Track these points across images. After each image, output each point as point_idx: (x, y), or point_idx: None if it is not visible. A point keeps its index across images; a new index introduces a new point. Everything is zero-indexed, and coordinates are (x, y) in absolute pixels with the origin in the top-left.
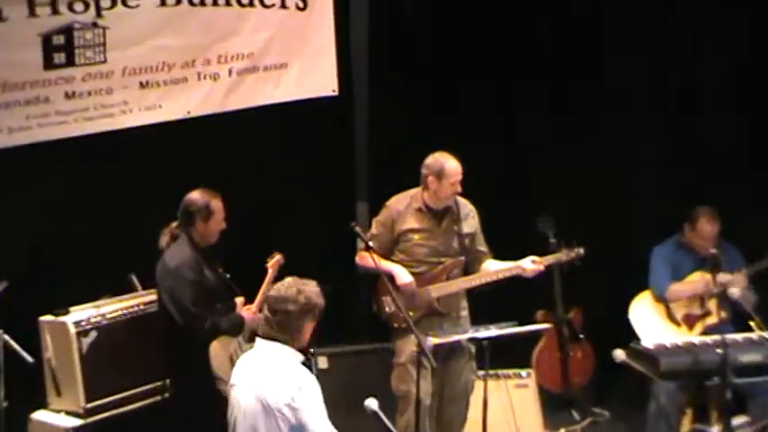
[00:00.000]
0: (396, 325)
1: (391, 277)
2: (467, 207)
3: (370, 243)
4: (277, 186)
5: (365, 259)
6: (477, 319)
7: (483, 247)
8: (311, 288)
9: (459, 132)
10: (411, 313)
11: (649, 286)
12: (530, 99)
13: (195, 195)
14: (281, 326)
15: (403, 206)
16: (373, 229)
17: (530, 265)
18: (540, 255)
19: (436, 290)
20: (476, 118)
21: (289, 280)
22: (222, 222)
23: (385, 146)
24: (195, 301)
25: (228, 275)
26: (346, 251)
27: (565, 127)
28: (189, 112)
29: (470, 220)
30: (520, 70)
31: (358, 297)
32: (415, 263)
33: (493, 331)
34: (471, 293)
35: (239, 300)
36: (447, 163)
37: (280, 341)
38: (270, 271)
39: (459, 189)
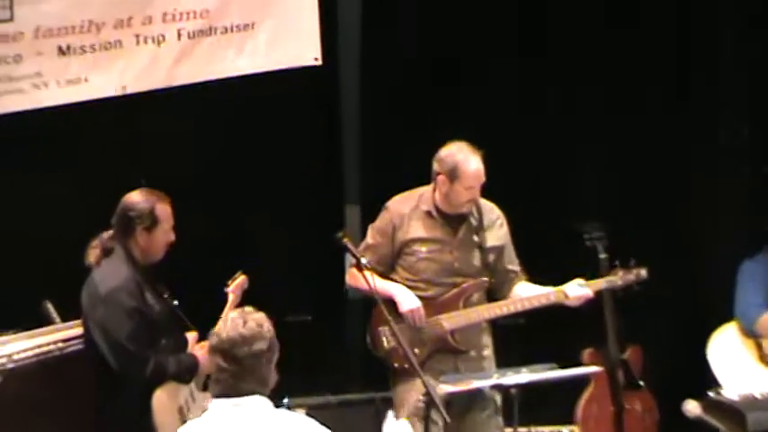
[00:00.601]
0: (396, 365)
1: (391, 302)
2: (493, 213)
3: (364, 259)
4: (241, 186)
5: (357, 278)
6: (505, 358)
7: (514, 266)
8: (260, 316)
9: (479, 117)
10: (417, 350)
11: (734, 315)
12: (575, 91)
13: (135, 197)
14: (251, 374)
15: (408, 208)
16: (369, 239)
17: (575, 290)
18: (588, 277)
19: (450, 320)
20: (500, 97)
21: (234, 315)
22: (170, 233)
23: (382, 133)
24: (134, 336)
25: (177, 303)
26: (331, 270)
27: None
28: (124, 88)
29: (497, 230)
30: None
31: (347, 331)
32: (423, 284)
33: (524, 375)
34: (497, 326)
35: (191, 335)
36: (465, 162)
37: (248, 394)
38: (231, 297)
39: (477, 196)
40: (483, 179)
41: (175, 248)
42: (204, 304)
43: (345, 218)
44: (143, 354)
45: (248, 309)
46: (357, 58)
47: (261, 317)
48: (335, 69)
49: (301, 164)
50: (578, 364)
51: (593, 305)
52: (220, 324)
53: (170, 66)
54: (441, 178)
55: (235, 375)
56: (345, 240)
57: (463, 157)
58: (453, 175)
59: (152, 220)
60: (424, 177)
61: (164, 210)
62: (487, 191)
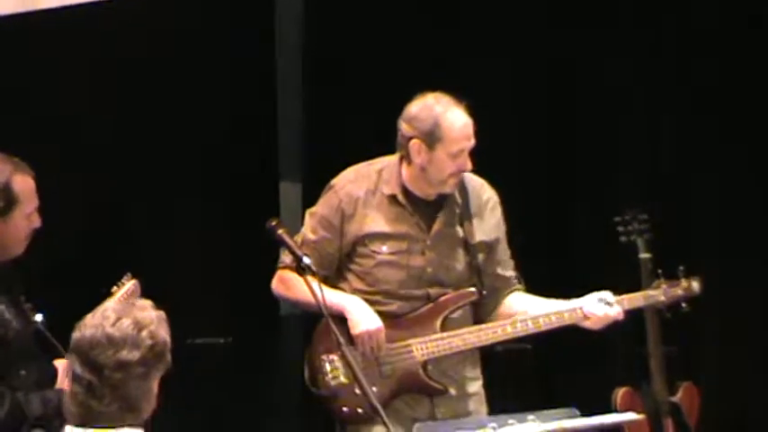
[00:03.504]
0: (345, 409)
1: (341, 320)
2: (482, 192)
3: (307, 258)
4: (134, 155)
5: (289, 284)
6: (504, 400)
7: (507, 270)
8: (149, 314)
9: (469, 72)
10: (375, 389)
11: None
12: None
13: None
14: (113, 390)
15: (362, 190)
16: (307, 231)
17: (596, 307)
18: (621, 288)
19: (422, 348)
20: (496, 45)
21: (109, 307)
22: (34, 217)
23: (332, 85)
24: None
25: (42, 318)
26: (259, 272)
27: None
28: None
29: (489, 217)
30: None
31: (279, 359)
32: (383, 296)
33: (532, 426)
34: (493, 353)
35: (62, 363)
36: (447, 114)
37: (109, 424)
38: None
39: (469, 166)
40: (473, 140)
41: (41, 241)
42: (81, 319)
43: (280, 201)
44: None
45: (141, 302)
46: None
47: (146, 316)
48: None
49: (219, 125)
50: (609, 409)
51: (632, 324)
52: (89, 315)
53: None
54: (415, 144)
55: (91, 389)
56: (281, 232)
57: (444, 109)
58: (434, 135)
59: (7, 200)
60: (390, 148)
61: (24, 184)
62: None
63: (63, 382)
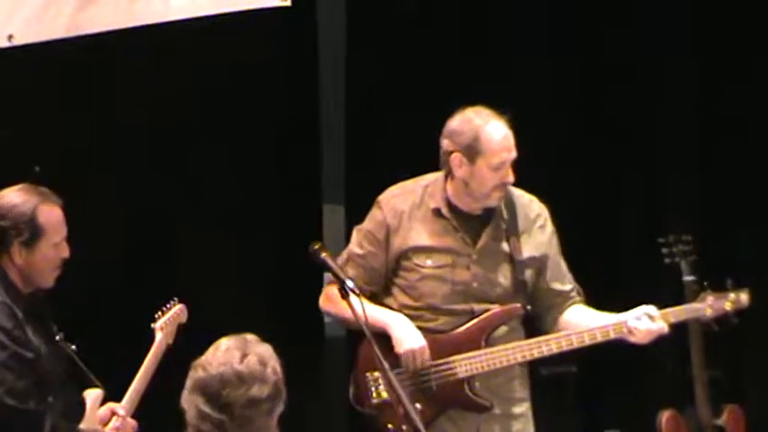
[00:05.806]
0: (390, 427)
1: (385, 338)
2: (531, 209)
3: (350, 282)
4: (176, 180)
5: (336, 302)
6: (550, 422)
7: (562, 285)
8: (267, 348)
9: (510, 95)
10: (419, 406)
11: None
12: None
13: (11, 198)
14: (242, 427)
15: (408, 205)
16: (353, 246)
17: (641, 322)
18: (665, 303)
19: (466, 364)
20: (533, 69)
21: (231, 344)
22: (62, 247)
23: (375, 110)
24: (17, 386)
25: (74, 346)
26: (302, 295)
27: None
28: (11, 37)
29: (537, 234)
30: None
31: (324, 380)
32: (428, 311)
33: None
34: (539, 376)
35: (92, 394)
36: (487, 127)
37: None
38: (158, 336)
39: (511, 178)
40: (514, 152)
41: (76, 267)
42: (118, 348)
43: (324, 224)
44: (34, 408)
45: (250, 336)
46: (343, 13)
47: (266, 351)
48: (313, 24)
49: (263, 150)
50: (654, 431)
51: (676, 347)
52: (209, 353)
53: (75, 8)
54: (456, 158)
55: (222, 429)
56: (324, 255)
57: (483, 122)
58: (474, 149)
59: (33, 232)
60: (433, 169)
61: (50, 215)
62: (529, 189)
63: (94, 411)
